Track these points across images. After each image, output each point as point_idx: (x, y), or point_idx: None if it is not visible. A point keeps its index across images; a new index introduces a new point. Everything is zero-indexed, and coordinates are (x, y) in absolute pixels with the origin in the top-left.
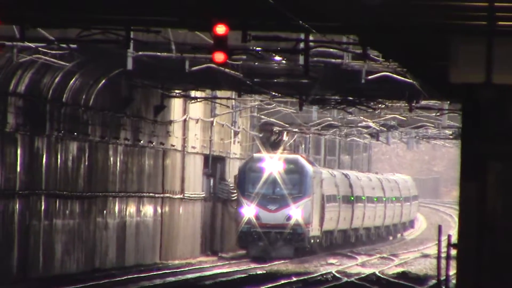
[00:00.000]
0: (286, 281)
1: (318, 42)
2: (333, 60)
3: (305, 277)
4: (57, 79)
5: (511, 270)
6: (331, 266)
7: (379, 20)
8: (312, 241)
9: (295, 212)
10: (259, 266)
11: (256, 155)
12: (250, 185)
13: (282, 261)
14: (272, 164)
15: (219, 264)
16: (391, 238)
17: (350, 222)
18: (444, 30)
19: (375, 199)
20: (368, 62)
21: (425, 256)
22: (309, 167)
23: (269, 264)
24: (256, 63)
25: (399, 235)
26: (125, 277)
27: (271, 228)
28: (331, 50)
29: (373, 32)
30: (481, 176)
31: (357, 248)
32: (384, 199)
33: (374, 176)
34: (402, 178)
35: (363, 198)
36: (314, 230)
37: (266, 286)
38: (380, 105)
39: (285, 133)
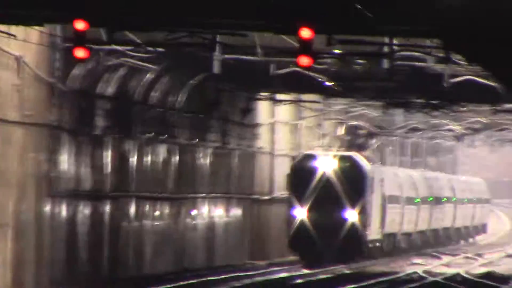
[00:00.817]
0: (374, 281)
1: (402, 46)
2: (416, 64)
3: (392, 277)
4: (144, 82)
5: None
6: (417, 266)
7: (463, 24)
8: (370, 245)
9: (351, 214)
10: (345, 266)
11: (308, 152)
12: (302, 185)
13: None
14: (326, 163)
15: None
16: (462, 242)
17: (415, 224)
18: None
19: (443, 200)
20: (450, 66)
21: (510, 256)
22: (366, 166)
23: (353, 264)
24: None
25: (470, 239)
26: (214, 277)
27: (325, 231)
28: (415, 53)
29: (456, 36)
30: None
31: (441, 248)
32: (454, 199)
33: (444, 176)
34: (474, 180)
35: (430, 199)
36: (373, 233)
37: (357, 285)
38: (463, 109)
39: (370, 136)
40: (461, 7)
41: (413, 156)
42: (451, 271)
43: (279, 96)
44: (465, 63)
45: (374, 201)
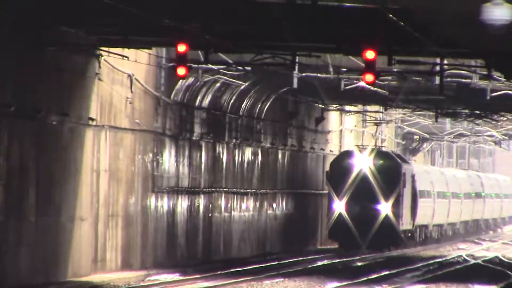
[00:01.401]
0: (427, 263)
1: (451, 65)
2: (463, 80)
3: (441, 259)
4: (234, 96)
5: None
6: (461, 250)
7: (502, 47)
8: (403, 235)
9: (385, 207)
10: (395, 250)
11: (346, 150)
12: (341, 180)
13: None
14: (363, 160)
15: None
16: (491, 232)
17: (446, 216)
18: None
19: (472, 195)
20: (492, 82)
21: None
22: (399, 163)
23: (404, 248)
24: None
25: (499, 229)
26: (290, 260)
27: (362, 222)
28: (462, 71)
29: (497, 57)
30: None
31: (483, 236)
32: (483, 194)
33: (474, 174)
34: (502, 177)
35: (460, 195)
36: (405, 224)
37: (413, 266)
38: (502, 118)
39: (423, 141)
40: (501, 35)
41: (458, 158)
42: (490, 254)
43: (347, 107)
44: (504, 79)
45: (406, 195)
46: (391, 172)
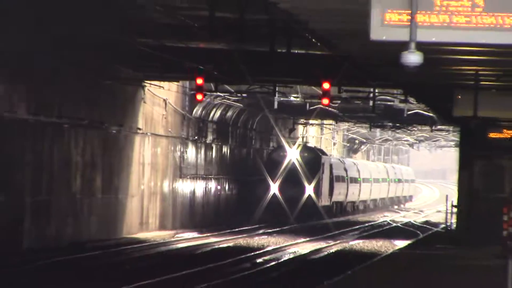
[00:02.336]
0: (362, 225)
1: (379, 93)
2: (388, 103)
3: (373, 223)
4: (235, 114)
5: (484, 219)
6: (386, 217)
7: (414, 81)
8: (322, 210)
9: (308, 188)
10: (342, 216)
11: (279, 145)
12: (274, 168)
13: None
14: (292, 152)
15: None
16: (396, 207)
17: (358, 195)
18: (451, 86)
19: (380, 180)
20: (407, 104)
21: (439, 211)
22: (319, 155)
23: (348, 215)
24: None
25: (401, 205)
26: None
27: (291, 200)
28: (387, 97)
29: (411, 87)
30: (470, 168)
31: (400, 207)
32: (388, 179)
33: (382, 164)
34: (404, 167)
35: (370, 179)
36: (324, 201)
37: (353, 227)
38: (414, 128)
39: (361, 144)
40: (413, 73)
41: (384, 155)
42: (406, 220)
43: (310, 121)
44: (416, 102)
45: (324, 179)
46: (312, 162)
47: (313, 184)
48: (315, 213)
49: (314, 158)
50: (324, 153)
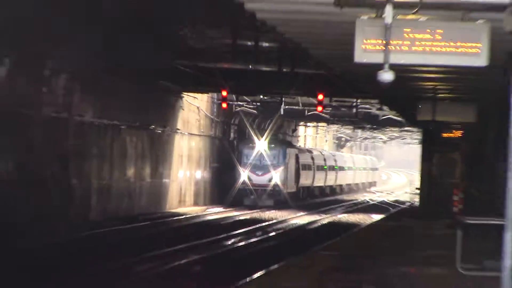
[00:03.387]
0: (346, 203)
1: (361, 102)
2: (367, 110)
3: (355, 201)
4: (251, 118)
5: (439, 199)
6: (365, 197)
7: (388, 94)
8: (287, 195)
9: (275, 176)
10: (317, 198)
11: (249, 137)
12: (245, 157)
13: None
14: (260, 144)
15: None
16: (345, 194)
17: (324, 181)
18: (415, 97)
19: (346, 168)
20: (382, 111)
21: (406, 192)
22: (285, 146)
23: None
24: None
25: (367, 189)
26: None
27: (258, 187)
28: (367, 105)
29: (385, 98)
30: (429, 160)
31: (371, 189)
32: (354, 168)
33: (348, 154)
34: (369, 157)
35: (336, 167)
36: (290, 188)
37: (338, 205)
38: (387, 129)
39: (346, 141)
40: (387, 87)
41: (365, 150)
42: (380, 199)
43: (308, 124)
44: (388, 109)
45: (290, 168)
46: (278, 153)
47: (278, 172)
48: (280, 199)
49: (279, 149)
50: (290, 145)
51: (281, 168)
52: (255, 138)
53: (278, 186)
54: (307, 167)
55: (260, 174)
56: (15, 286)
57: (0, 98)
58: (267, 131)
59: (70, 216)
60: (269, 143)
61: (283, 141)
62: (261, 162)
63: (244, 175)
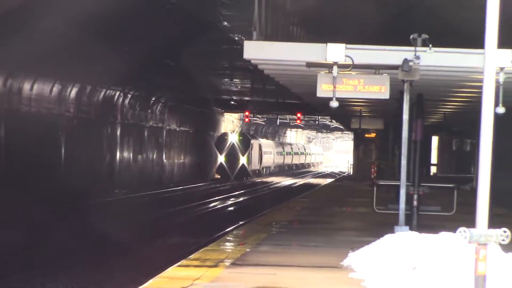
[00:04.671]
0: (312, 173)
1: (321, 117)
2: (323, 122)
3: (316, 172)
4: (261, 127)
5: (363, 170)
6: (322, 169)
7: (334, 113)
8: (252, 172)
9: (242, 159)
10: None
11: (225, 132)
12: (222, 146)
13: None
14: (232, 136)
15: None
16: (311, 168)
17: (282, 162)
18: (349, 115)
19: (299, 153)
20: (332, 122)
21: (345, 167)
22: (249, 138)
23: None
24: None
25: (312, 167)
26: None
27: (231, 166)
28: (323, 119)
29: (333, 115)
30: (358, 149)
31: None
32: (305, 153)
33: (301, 145)
34: (315, 146)
35: (292, 152)
36: (254, 166)
37: (308, 174)
38: (334, 132)
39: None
40: (334, 110)
41: (321, 144)
42: (330, 170)
43: (292, 129)
44: (335, 121)
45: (254, 153)
46: (245, 142)
47: (245, 156)
48: (246, 175)
49: (246, 140)
50: (254, 137)
51: (247, 153)
52: (229, 132)
53: (244, 165)
54: (268, 152)
55: (232, 157)
56: None
57: (130, 117)
58: (268, 134)
59: (163, 181)
60: (239, 135)
61: (249, 135)
62: (233, 149)
63: (221, 158)
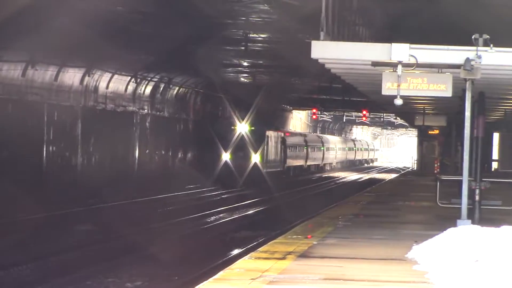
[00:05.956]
0: (374, 168)
1: (385, 114)
2: (388, 119)
3: (379, 167)
4: (327, 124)
5: (426, 165)
6: (387, 164)
7: (399, 110)
8: (270, 173)
9: (255, 157)
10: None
11: (229, 120)
12: (226, 140)
13: None
14: (242, 127)
15: None
16: (375, 163)
17: (321, 159)
18: (413, 112)
19: (346, 148)
20: (397, 119)
21: (409, 162)
22: (264, 128)
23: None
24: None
25: (366, 164)
26: None
27: (238, 167)
28: (388, 116)
29: (397, 113)
30: (422, 145)
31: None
32: (354, 148)
33: (343, 137)
34: (378, 142)
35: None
36: (272, 168)
37: (372, 169)
38: (399, 129)
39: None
40: (398, 108)
41: (388, 141)
42: (395, 165)
43: (358, 126)
44: (399, 118)
45: (270, 148)
46: (259, 136)
47: (259, 153)
48: (259, 179)
49: (259, 131)
50: (270, 128)
51: (261, 150)
52: (236, 120)
53: (258, 166)
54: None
55: (241, 155)
56: None
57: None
58: (335, 131)
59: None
60: (250, 125)
61: (264, 123)
62: (242, 144)
63: (227, 155)
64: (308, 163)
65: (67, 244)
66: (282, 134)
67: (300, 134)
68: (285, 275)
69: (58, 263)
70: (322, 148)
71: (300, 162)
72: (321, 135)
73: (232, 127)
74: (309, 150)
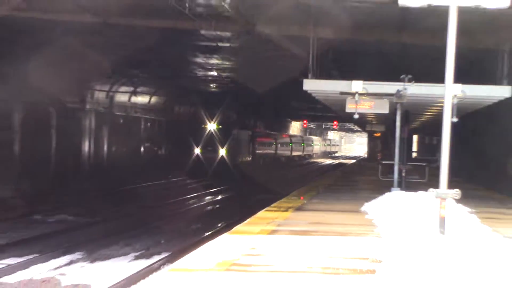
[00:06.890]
0: (339, 158)
1: (348, 124)
2: (350, 127)
3: (341, 158)
4: (314, 130)
5: (374, 155)
6: (348, 154)
7: (356, 121)
8: (239, 163)
9: (222, 151)
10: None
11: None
12: (198, 136)
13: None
14: (211, 126)
15: None
16: (334, 154)
17: (302, 151)
18: (365, 122)
19: (324, 144)
20: (355, 126)
21: (362, 154)
22: (230, 127)
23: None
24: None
25: (334, 154)
26: None
27: (208, 159)
28: (350, 125)
29: (355, 122)
30: (370, 143)
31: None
32: (329, 144)
33: (322, 138)
34: (333, 139)
35: (291, 144)
36: (242, 158)
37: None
38: (356, 132)
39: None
40: (356, 119)
41: (350, 139)
42: (353, 155)
43: (331, 131)
44: (357, 126)
45: (236, 144)
46: (226, 133)
47: (225, 148)
48: (227, 170)
49: (226, 130)
50: (240, 127)
51: (227, 145)
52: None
53: (224, 158)
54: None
55: (210, 149)
56: None
57: (180, 115)
58: (317, 134)
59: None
60: (218, 125)
61: (230, 123)
62: (211, 140)
63: (198, 150)
64: (293, 154)
65: None
66: (250, 132)
67: (289, 135)
68: (288, 221)
69: None
70: (302, 144)
71: (271, 153)
72: (303, 135)
73: (203, 126)
74: (293, 145)
